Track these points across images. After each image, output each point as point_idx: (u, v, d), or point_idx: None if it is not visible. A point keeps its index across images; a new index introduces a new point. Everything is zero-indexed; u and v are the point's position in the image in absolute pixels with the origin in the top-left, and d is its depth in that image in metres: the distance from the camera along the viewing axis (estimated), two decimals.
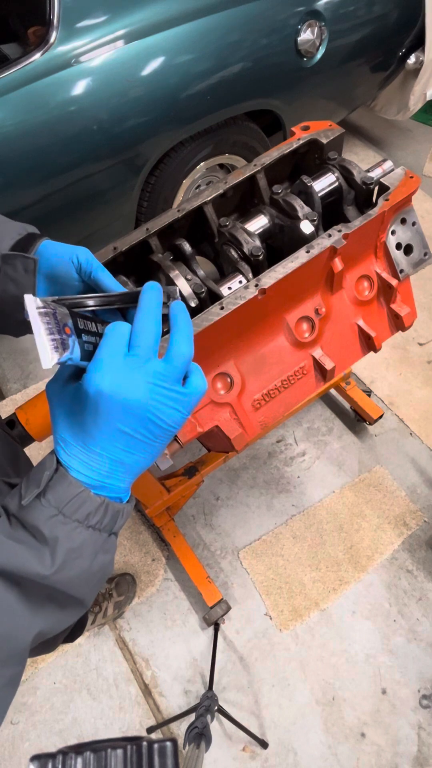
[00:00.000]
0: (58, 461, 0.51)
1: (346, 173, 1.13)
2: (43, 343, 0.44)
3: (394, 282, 1.15)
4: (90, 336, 0.51)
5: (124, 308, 0.58)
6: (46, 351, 0.44)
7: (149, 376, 0.49)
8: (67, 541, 0.50)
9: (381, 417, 2.18)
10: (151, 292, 0.52)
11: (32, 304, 0.45)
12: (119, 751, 0.51)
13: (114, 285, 0.60)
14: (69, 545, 0.50)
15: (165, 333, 0.53)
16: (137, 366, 0.49)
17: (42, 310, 0.45)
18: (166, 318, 0.54)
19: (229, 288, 1.05)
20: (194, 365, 0.54)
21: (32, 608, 0.51)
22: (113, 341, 0.49)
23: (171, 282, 1.02)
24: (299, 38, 2.13)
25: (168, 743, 0.51)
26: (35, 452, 2.17)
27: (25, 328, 0.69)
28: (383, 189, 1.11)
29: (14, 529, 0.50)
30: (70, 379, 0.53)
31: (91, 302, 0.54)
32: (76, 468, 0.51)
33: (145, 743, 0.51)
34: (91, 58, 1.77)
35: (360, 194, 1.14)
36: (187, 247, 1.08)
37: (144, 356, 0.49)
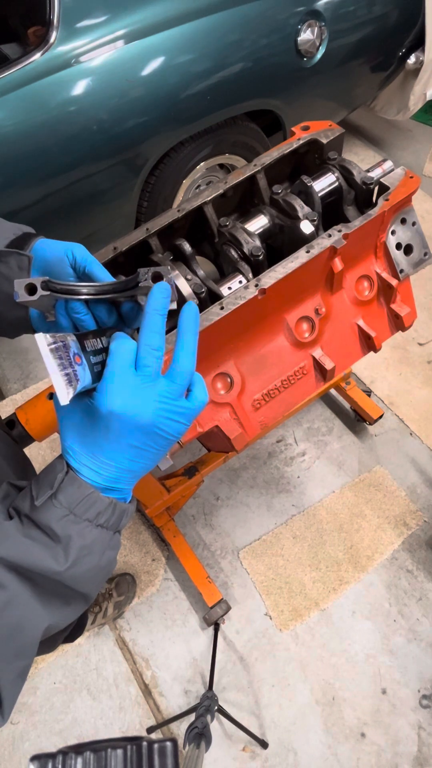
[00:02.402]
0: (67, 464, 0.54)
1: (346, 173, 1.13)
2: (58, 380, 0.46)
3: (394, 282, 1.15)
4: (97, 355, 0.53)
5: (118, 299, 0.58)
6: (62, 388, 0.46)
7: (157, 395, 0.51)
8: (79, 539, 0.53)
9: (381, 417, 2.18)
10: (157, 301, 0.51)
11: (43, 341, 0.47)
12: (119, 751, 0.51)
13: (108, 279, 0.61)
14: (81, 543, 0.53)
15: (169, 331, 0.53)
16: (146, 386, 0.51)
17: (53, 346, 0.47)
18: (172, 313, 0.54)
19: (229, 288, 1.05)
20: (197, 376, 0.55)
21: (43, 603, 0.53)
22: (120, 361, 0.51)
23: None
24: (299, 38, 2.13)
25: (168, 743, 0.52)
26: (35, 452, 2.17)
27: (20, 328, 0.69)
28: (383, 189, 1.11)
29: (27, 528, 0.53)
30: (80, 395, 0.54)
31: (84, 290, 0.54)
32: (85, 474, 0.53)
33: (145, 743, 0.52)
34: (91, 58, 1.77)
35: (360, 194, 1.14)
36: (187, 247, 1.08)
37: (151, 376, 0.51)
